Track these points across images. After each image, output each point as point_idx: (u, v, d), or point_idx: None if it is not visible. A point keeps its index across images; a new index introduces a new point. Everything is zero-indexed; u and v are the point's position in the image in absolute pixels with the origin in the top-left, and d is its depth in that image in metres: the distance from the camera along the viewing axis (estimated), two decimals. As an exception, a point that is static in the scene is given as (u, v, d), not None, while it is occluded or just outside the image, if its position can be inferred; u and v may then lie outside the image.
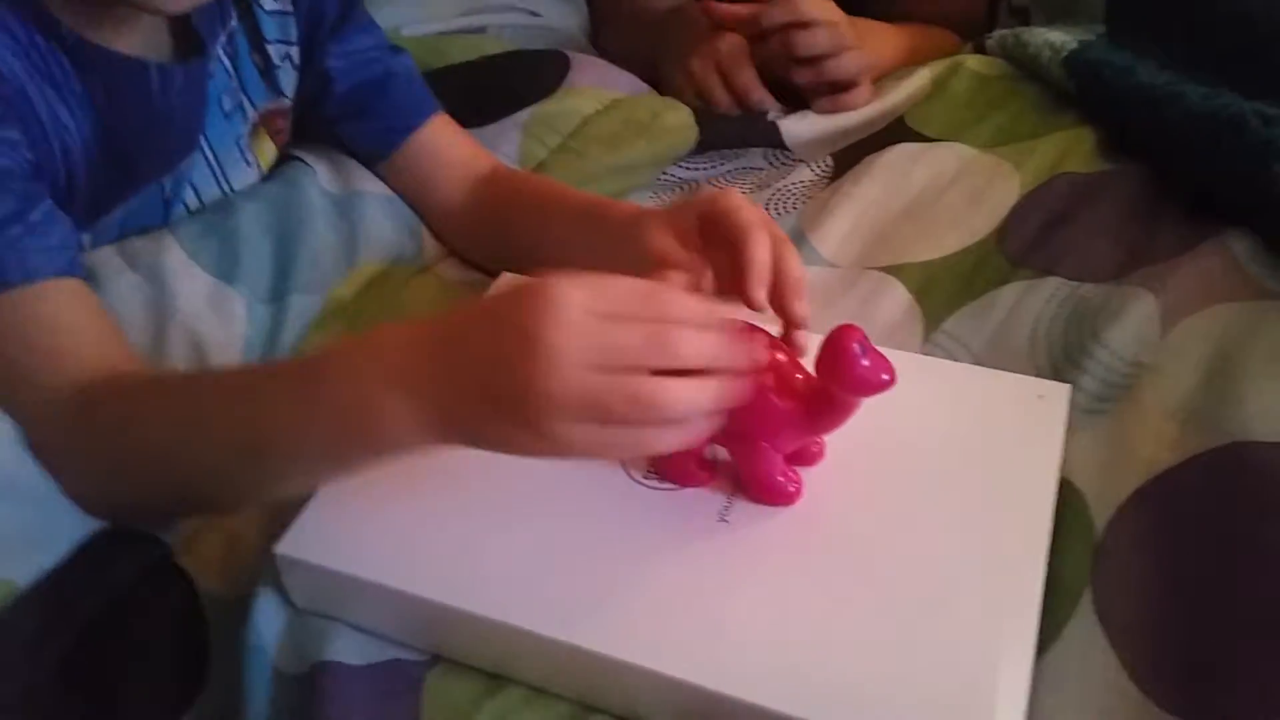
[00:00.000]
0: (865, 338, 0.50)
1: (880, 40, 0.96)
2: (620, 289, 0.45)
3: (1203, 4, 0.83)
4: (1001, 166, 0.80)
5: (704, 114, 0.92)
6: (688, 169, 0.91)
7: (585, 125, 0.88)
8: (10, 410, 0.57)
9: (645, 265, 0.58)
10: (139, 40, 0.67)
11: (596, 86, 0.93)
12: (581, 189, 0.79)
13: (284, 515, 0.55)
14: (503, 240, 0.77)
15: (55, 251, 0.60)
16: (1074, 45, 0.84)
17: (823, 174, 0.86)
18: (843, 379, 0.50)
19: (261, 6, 0.74)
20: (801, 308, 0.56)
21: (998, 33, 0.94)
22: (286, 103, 0.78)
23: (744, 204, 0.57)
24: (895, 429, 0.57)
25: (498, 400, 0.44)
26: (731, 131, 0.92)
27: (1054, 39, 0.87)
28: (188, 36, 0.70)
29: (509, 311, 0.44)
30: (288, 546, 0.54)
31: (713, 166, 0.91)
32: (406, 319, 0.49)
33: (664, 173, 0.90)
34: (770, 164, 0.91)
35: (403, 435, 0.47)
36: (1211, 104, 0.73)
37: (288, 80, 0.77)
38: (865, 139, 0.88)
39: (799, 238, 0.78)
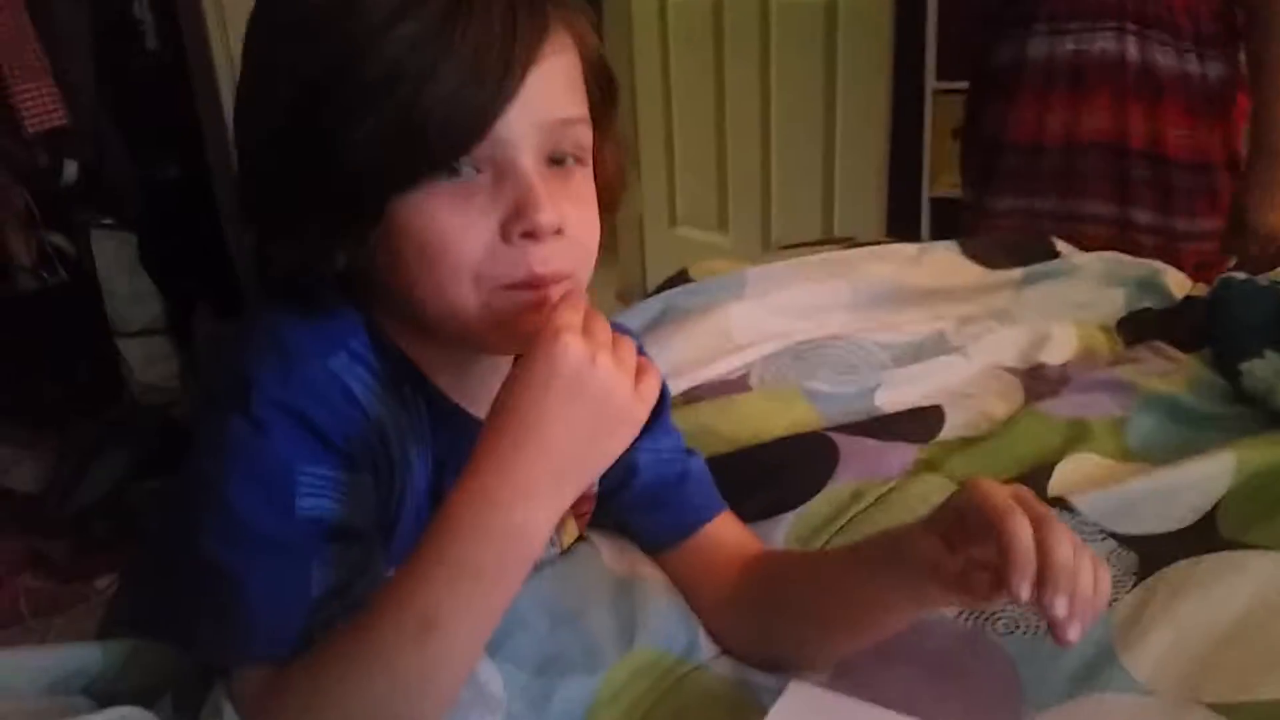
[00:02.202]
0: None
1: None
2: (576, 314, 0.61)
3: None
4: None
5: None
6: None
7: (852, 521, 0.88)
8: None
9: (920, 579, 0.63)
10: (486, 406, 0.71)
11: (865, 479, 0.92)
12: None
13: None
14: (772, 609, 0.75)
15: None
16: None
17: (1124, 570, 0.80)
18: None
19: None
20: (1061, 603, 0.55)
21: None
22: (594, 489, 0.80)
23: (996, 488, 0.59)
24: None
25: (611, 435, 0.61)
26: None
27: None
28: None
29: (565, 383, 0.59)
30: None
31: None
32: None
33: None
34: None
35: (550, 529, 0.60)
36: None
37: None
38: (1170, 536, 0.83)
39: (1108, 655, 0.71)
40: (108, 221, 2.42)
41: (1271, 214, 1.48)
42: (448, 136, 0.59)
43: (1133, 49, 1.52)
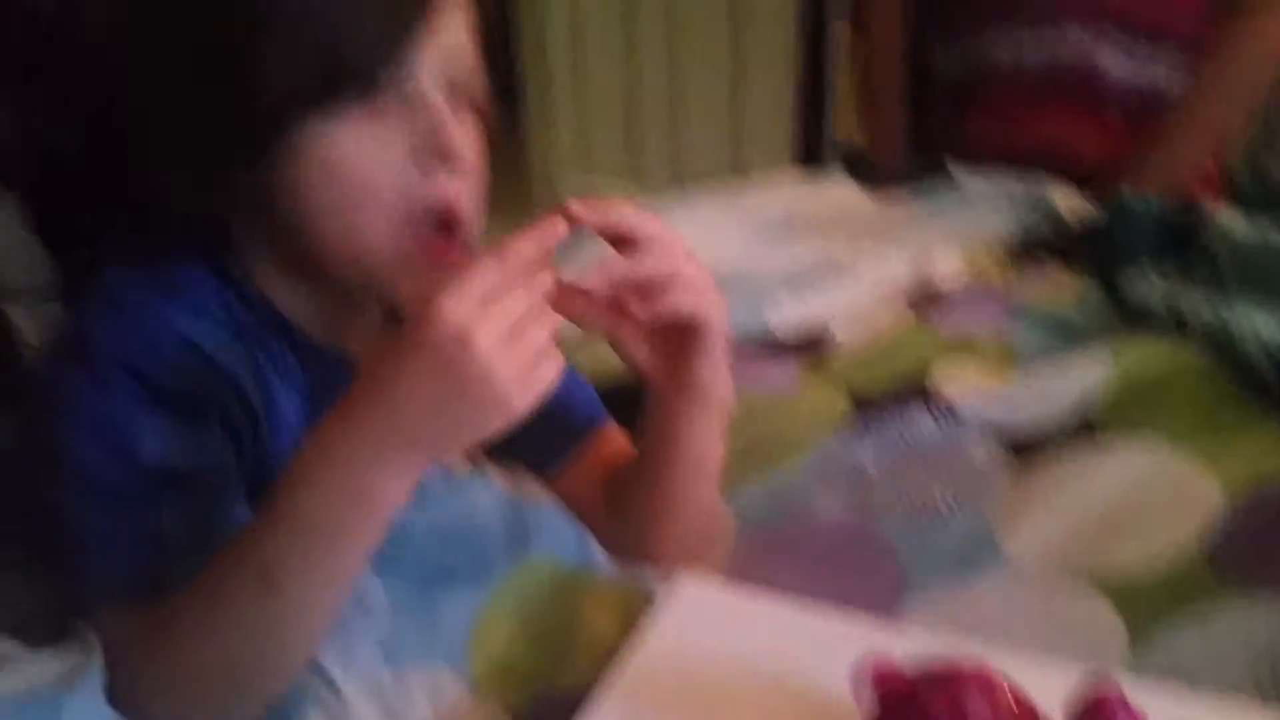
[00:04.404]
0: (1123, 695, 0.46)
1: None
2: (485, 280, 0.53)
3: None
4: (1200, 469, 0.77)
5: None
6: (852, 447, 0.88)
7: (740, 432, 0.84)
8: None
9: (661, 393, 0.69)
10: (357, 342, 0.71)
11: (752, 392, 0.93)
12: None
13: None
14: (619, 499, 0.77)
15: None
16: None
17: (1001, 461, 0.83)
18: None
19: None
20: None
21: (1198, 310, 0.93)
22: None
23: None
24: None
25: (474, 418, 0.55)
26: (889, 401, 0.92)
27: (1262, 328, 0.85)
28: None
29: (431, 354, 0.53)
30: None
31: (878, 445, 0.87)
32: None
33: (829, 457, 0.87)
34: (939, 424, 0.88)
35: (402, 496, 0.56)
36: None
37: None
38: (1049, 432, 0.86)
39: (985, 539, 0.74)
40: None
41: None
42: (360, 60, 0.60)
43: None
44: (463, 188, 0.63)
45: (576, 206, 0.59)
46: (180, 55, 0.62)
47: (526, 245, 0.56)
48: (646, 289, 0.61)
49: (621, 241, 0.61)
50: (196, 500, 0.62)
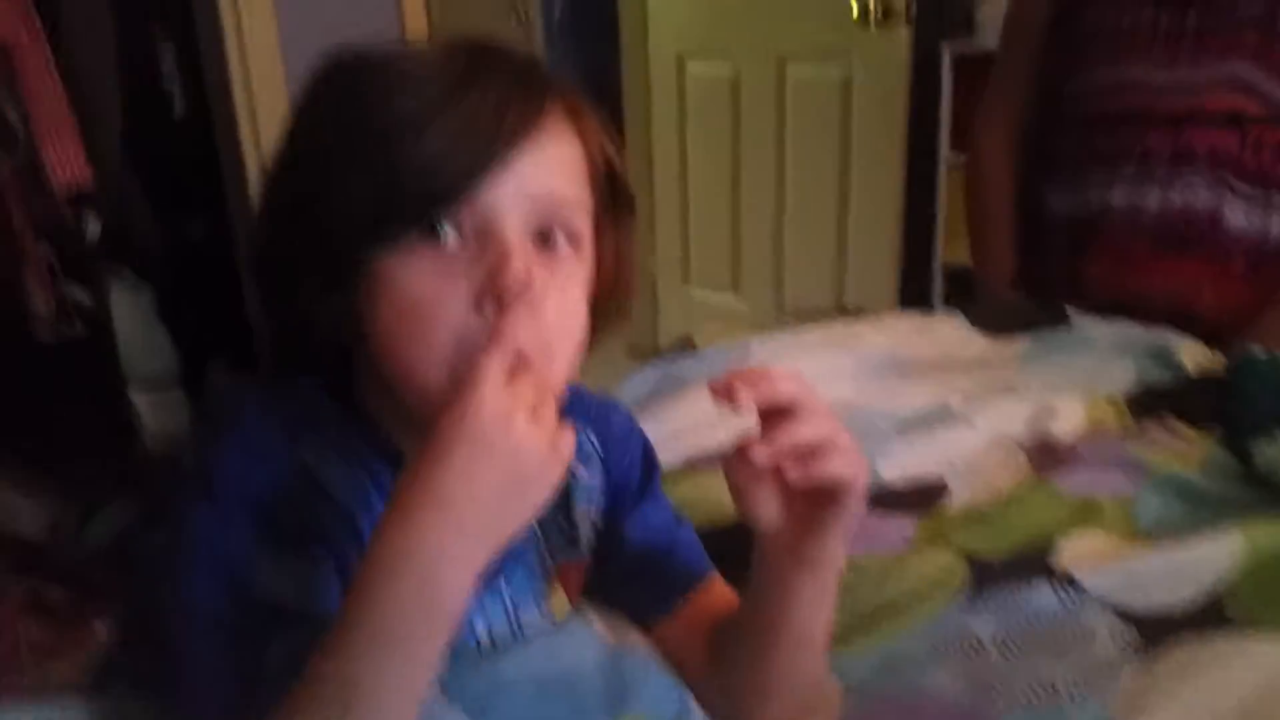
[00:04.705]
0: None
1: None
2: (501, 367, 0.57)
3: None
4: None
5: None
6: (969, 617, 0.84)
7: (851, 594, 0.84)
8: None
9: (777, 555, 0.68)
10: None
11: (863, 551, 0.91)
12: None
13: None
14: (720, 660, 0.75)
15: None
16: None
17: (1127, 646, 0.79)
18: None
19: (577, 477, 0.78)
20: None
21: None
22: (584, 559, 0.79)
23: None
24: None
25: (523, 495, 0.58)
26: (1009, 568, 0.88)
27: None
28: None
29: (480, 441, 0.56)
30: None
31: (996, 617, 0.84)
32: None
33: (944, 626, 0.84)
34: (1061, 599, 0.84)
35: (464, 589, 0.57)
36: None
37: (586, 539, 0.79)
38: (1177, 615, 0.82)
39: (1111, 736, 0.70)
40: (126, 276, 2.45)
41: None
42: (426, 193, 0.60)
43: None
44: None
45: (737, 386, 0.60)
46: (275, 170, 0.66)
47: (515, 326, 0.59)
48: (805, 455, 0.62)
49: (778, 411, 0.62)
50: (305, 635, 0.61)
